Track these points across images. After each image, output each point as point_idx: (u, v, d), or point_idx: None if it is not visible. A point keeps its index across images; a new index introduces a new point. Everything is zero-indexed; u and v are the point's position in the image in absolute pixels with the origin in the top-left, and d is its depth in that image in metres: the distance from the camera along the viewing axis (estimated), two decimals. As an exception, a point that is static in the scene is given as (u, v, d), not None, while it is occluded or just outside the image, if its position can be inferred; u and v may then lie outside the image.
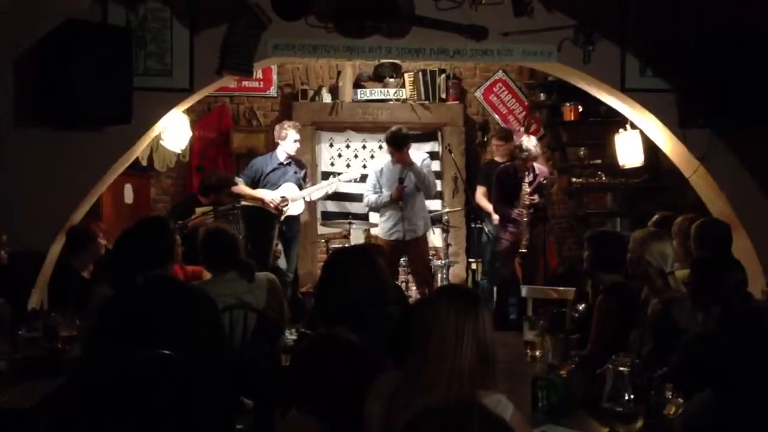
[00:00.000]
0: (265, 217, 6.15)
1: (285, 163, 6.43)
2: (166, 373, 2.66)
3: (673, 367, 2.56)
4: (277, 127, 6.53)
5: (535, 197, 6.01)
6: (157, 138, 5.97)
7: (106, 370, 2.71)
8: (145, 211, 7.01)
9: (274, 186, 6.34)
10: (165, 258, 3.10)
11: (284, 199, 6.27)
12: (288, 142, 6.36)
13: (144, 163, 6.76)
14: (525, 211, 5.96)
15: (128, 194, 6.70)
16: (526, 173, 6.01)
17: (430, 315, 1.93)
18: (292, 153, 6.42)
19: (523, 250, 6.01)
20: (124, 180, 6.33)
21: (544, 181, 6.08)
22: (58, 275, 4.71)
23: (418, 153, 6.34)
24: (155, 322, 2.81)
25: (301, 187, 6.44)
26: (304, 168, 6.64)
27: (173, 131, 6.08)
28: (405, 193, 6.03)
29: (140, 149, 5.44)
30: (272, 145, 6.76)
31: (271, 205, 6.22)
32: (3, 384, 2.89)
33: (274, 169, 6.40)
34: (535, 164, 6.15)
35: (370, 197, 6.25)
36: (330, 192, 6.76)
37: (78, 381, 2.90)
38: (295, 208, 6.39)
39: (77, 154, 4.80)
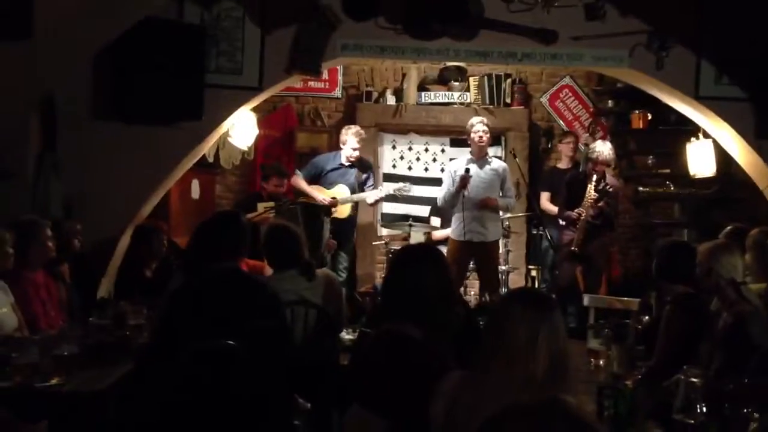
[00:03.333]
0: (318, 213, 6.19)
1: (346, 165, 6.48)
2: (231, 364, 2.71)
3: (750, 382, 2.47)
4: (343, 129, 6.57)
5: (601, 203, 5.84)
6: (225, 135, 6.08)
7: (172, 357, 2.77)
8: (211, 207, 7.14)
9: (331, 185, 6.40)
10: (235, 251, 3.16)
11: (334, 200, 6.31)
12: (347, 148, 6.40)
13: (210, 159, 6.89)
14: (585, 212, 5.82)
15: (195, 190, 6.84)
16: (595, 177, 5.85)
17: (503, 318, 1.91)
18: (352, 159, 6.43)
19: (574, 248, 5.86)
20: (191, 176, 6.46)
21: (610, 189, 5.91)
22: (124, 269, 4.85)
23: (497, 161, 6.27)
24: (223, 313, 2.86)
25: (353, 192, 6.47)
26: (367, 171, 6.61)
27: (240, 129, 6.18)
28: (473, 189, 5.94)
29: (209, 146, 5.57)
30: (335, 146, 6.81)
31: (324, 203, 6.27)
32: (74, 368, 2.98)
33: (334, 169, 6.44)
34: (608, 175, 5.99)
35: (441, 194, 6.21)
36: (375, 198, 6.57)
37: (145, 367, 2.98)
38: (342, 212, 6.42)
39: (149, 149, 4.93)
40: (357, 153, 6.42)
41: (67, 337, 3.16)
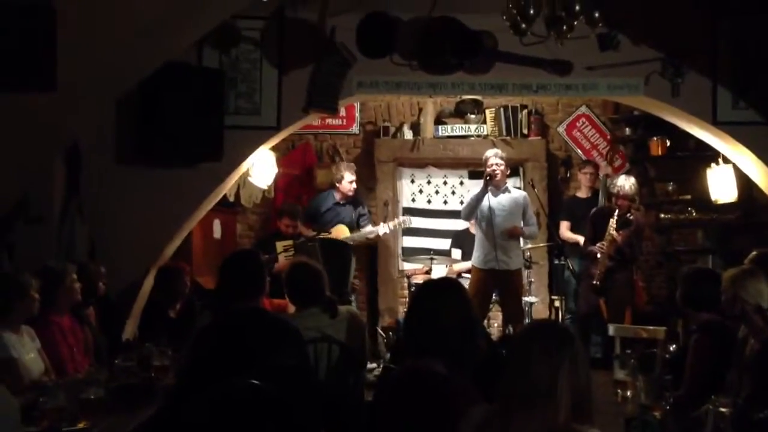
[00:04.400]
0: (342, 249, 6.23)
1: (341, 203, 6.58)
2: (256, 403, 2.71)
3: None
4: (333, 168, 6.71)
5: (619, 239, 5.78)
6: (245, 174, 6.16)
7: (198, 398, 2.79)
8: (232, 246, 7.19)
9: (327, 225, 6.50)
10: (256, 290, 3.18)
11: None
12: (344, 183, 6.56)
13: (231, 199, 6.96)
14: (606, 245, 5.79)
15: (217, 229, 6.90)
16: (617, 212, 5.80)
17: (524, 351, 1.91)
18: (349, 194, 6.59)
19: (595, 282, 5.82)
20: (213, 215, 6.53)
21: (631, 217, 5.88)
22: (148, 310, 4.89)
23: (516, 191, 6.29)
24: (247, 352, 2.88)
25: (352, 229, 6.54)
26: (360, 205, 6.76)
27: (260, 168, 6.26)
28: (496, 219, 5.92)
29: (229, 185, 5.63)
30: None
31: None
32: (101, 411, 3.00)
33: (328, 210, 6.58)
34: (633, 210, 5.92)
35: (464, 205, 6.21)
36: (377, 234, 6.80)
37: (171, 408, 2.99)
38: None
39: (171, 190, 5.01)
40: (354, 185, 6.58)
41: (93, 381, 3.18)
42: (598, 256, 5.80)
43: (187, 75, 4.88)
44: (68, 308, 3.92)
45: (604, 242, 5.79)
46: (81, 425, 2.86)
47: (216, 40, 5.00)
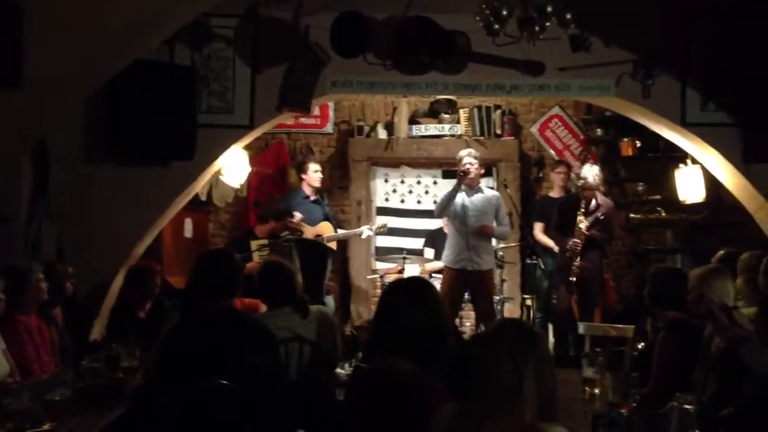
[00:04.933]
0: (318, 250, 6.22)
1: (312, 199, 6.57)
2: (227, 404, 2.70)
3: (743, 407, 2.47)
4: (298, 163, 6.75)
5: (591, 230, 5.89)
6: (217, 173, 6.11)
7: (166, 399, 2.76)
8: (204, 245, 7.14)
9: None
10: (228, 290, 3.16)
11: (320, 238, 6.42)
12: (310, 174, 6.56)
13: (203, 198, 6.91)
14: (579, 242, 5.87)
15: (188, 228, 6.85)
16: (583, 203, 5.90)
17: (490, 352, 1.91)
18: (316, 185, 6.58)
19: (573, 278, 5.90)
20: (184, 215, 6.48)
21: (602, 217, 5.96)
22: (117, 311, 4.83)
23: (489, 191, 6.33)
24: (217, 352, 2.86)
25: (329, 221, 6.61)
26: (326, 202, 6.79)
27: (232, 167, 6.22)
28: (468, 218, 5.96)
29: (201, 184, 5.59)
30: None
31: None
32: (67, 413, 2.95)
33: (298, 206, 6.55)
34: (599, 195, 6.06)
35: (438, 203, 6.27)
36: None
37: (139, 409, 2.96)
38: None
39: (142, 189, 4.96)
40: (320, 175, 6.61)
41: (59, 382, 3.13)
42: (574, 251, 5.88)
43: (158, 73, 4.83)
44: (35, 308, 3.86)
45: (576, 239, 5.87)
46: (46, 427, 2.81)
47: (188, 37, 4.96)
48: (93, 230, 4.88)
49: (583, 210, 5.89)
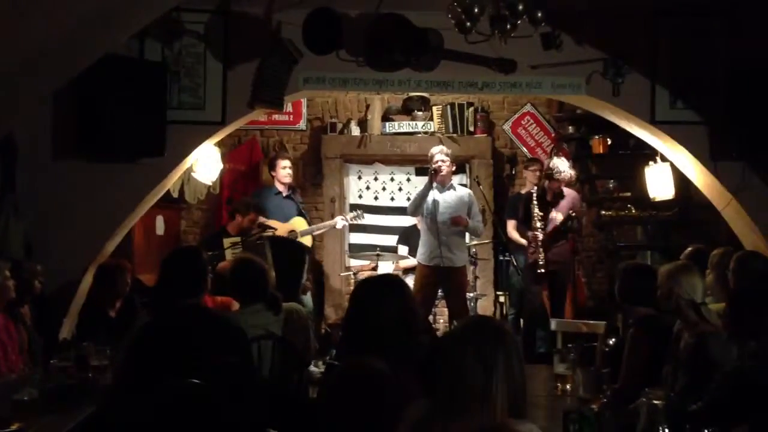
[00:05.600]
0: (295, 247, 6.19)
1: (284, 195, 6.59)
2: (196, 402, 2.67)
3: (710, 401, 2.51)
4: (268, 162, 6.79)
5: (556, 216, 6.02)
6: (189, 170, 6.06)
7: (135, 398, 2.73)
8: (176, 242, 7.08)
9: (270, 216, 6.49)
10: (197, 288, 3.13)
11: (294, 233, 6.41)
12: (279, 170, 6.60)
13: (175, 195, 6.84)
14: (538, 234, 5.97)
15: (159, 226, 6.78)
16: (549, 195, 6.03)
17: (458, 351, 1.91)
18: (287, 181, 6.61)
19: (541, 270, 5.96)
20: (155, 212, 6.41)
21: (573, 213, 6.03)
22: (86, 309, 4.76)
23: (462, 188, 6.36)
24: (187, 350, 2.83)
25: (304, 217, 6.61)
26: (298, 198, 6.81)
27: (204, 164, 6.16)
28: (440, 215, 5.97)
29: (173, 181, 5.53)
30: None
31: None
32: (35, 413, 2.91)
33: (270, 202, 6.57)
34: (565, 189, 6.14)
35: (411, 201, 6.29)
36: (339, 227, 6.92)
37: (108, 409, 2.92)
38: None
39: (112, 187, 4.89)
40: (289, 171, 6.62)
41: (27, 381, 3.10)
42: (539, 240, 5.97)
43: (128, 68, 4.76)
44: (2, 307, 3.80)
45: (538, 231, 5.96)
46: (14, 427, 2.77)
47: (158, 32, 4.90)
48: (62, 228, 4.80)
49: (550, 198, 6.00)
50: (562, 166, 6.01)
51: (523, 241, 6.38)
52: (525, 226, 6.23)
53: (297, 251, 6.14)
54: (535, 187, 6.21)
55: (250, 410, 2.94)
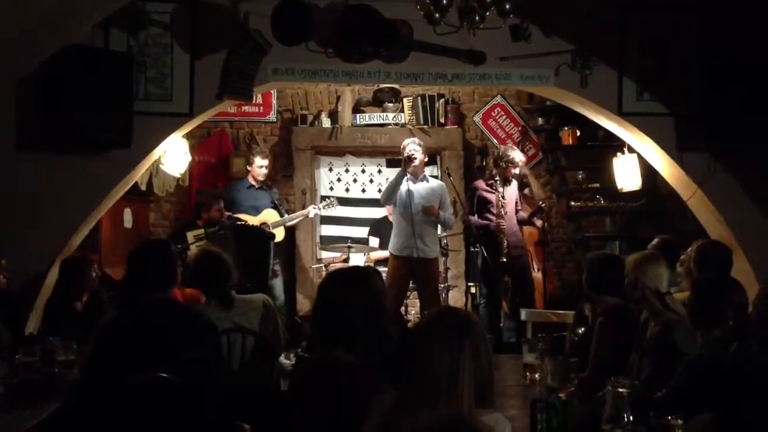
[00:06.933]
0: (260, 236, 6.17)
1: (257, 187, 6.63)
2: (164, 396, 2.65)
3: (674, 389, 2.55)
4: (247, 155, 6.83)
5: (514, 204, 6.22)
6: (157, 162, 5.99)
7: (102, 392, 2.70)
8: (145, 235, 6.99)
9: (247, 210, 6.49)
10: (166, 281, 3.10)
11: (265, 225, 6.42)
12: (254, 168, 6.66)
13: (143, 187, 6.77)
14: (501, 221, 6.07)
15: (127, 218, 6.70)
16: (497, 178, 6.16)
17: (426, 338, 1.92)
18: (260, 178, 6.66)
19: (504, 260, 6.01)
20: (123, 204, 6.33)
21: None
22: (52, 303, 4.69)
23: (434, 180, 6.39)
24: (155, 344, 2.80)
25: (278, 211, 6.61)
26: (273, 190, 6.86)
27: (173, 156, 6.10)
28: (413, 206, 5.98)
29: (140, 173, 5.46)
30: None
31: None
32: (0, 408, 2.87)
33: (242, 194, 6.60)
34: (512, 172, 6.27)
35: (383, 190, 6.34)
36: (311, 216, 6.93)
37: (74, 404, 2.88)
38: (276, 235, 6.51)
39: (77, 179, 4.82)
40: (265, 170, 6.67)
41: (-9, 377, 3.05)
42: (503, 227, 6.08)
43: (92, 58, 4.68)
44: (-35, 302, 3.73)
45: (498, 219, 6.07)
46: (-23, 424, 2.74)
47: (123, 22, 4.82)
48: (27, 221, 4.71)
49: (499, 181, 6.13)
50: (515, 153, 6.14)
51: (486, 222, 6.44)
52: (479, 216, 6.29)
53: (262, 239, 6.12)
54: (480, 180, 6.35)
55: (219, 404, 2.92)
